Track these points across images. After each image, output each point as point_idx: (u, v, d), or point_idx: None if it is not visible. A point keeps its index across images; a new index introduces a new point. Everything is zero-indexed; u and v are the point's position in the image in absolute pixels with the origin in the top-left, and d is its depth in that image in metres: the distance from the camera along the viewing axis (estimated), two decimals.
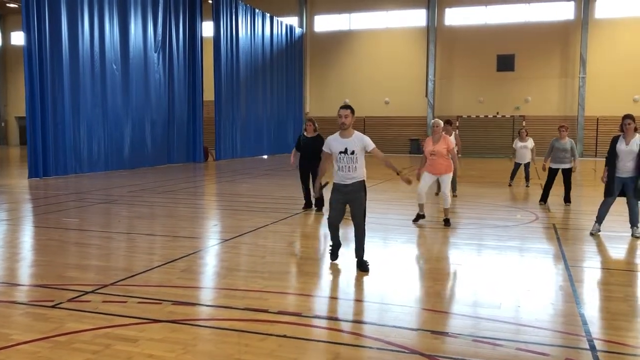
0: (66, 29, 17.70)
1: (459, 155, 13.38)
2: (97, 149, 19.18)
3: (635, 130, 8.21)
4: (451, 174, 9.51)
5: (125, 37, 20.43)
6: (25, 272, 6.44)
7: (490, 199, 12.99)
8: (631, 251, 7.64)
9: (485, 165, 24.85)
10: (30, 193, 13.84)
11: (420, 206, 9.37)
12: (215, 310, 5.02)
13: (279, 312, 4.84)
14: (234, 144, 27.84)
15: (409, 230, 9.01)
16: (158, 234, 8.61)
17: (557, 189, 11.90)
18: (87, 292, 5.36)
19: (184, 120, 24.52)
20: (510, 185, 15.43)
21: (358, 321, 4.77)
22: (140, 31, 21.37)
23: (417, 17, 33.70)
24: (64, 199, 12.53)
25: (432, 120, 9.65)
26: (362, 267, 6.26)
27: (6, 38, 42.88)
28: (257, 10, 29.95)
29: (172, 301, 5.11)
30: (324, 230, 8.94)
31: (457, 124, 30.05)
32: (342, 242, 6.69)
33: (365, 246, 6.39)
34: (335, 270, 6.42)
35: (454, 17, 33.23)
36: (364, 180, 6.34)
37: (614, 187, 8.29)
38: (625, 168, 8.18)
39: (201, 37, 25.54)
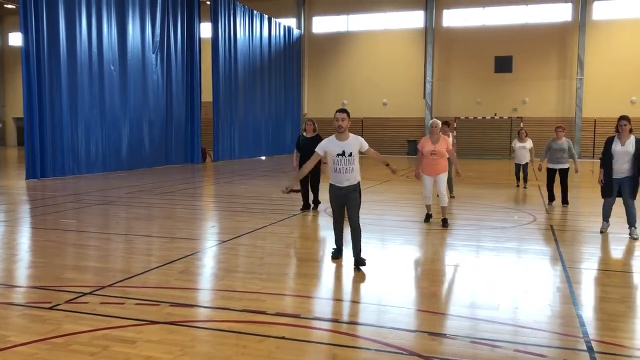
0: (64, 30, 17.68)
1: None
2: (94, 150, 19.15)
3: (631, 131, 8.24)
4: (447, 174, 9.62)
5: (123, 38, 20.41)
6: (22, 273, 6.42)
7: (487, 200, 13.01)
8: (629, 252, 7.65)
9: (483, 166, 24.86)
10: (28, 194, 13.81)
11: (428, 207, 9.65)
12: (213, 311, 5.02)
13: (277, 314, 4.84)
14: (232, 145, 27.83)
15: (406, 231, 9.03)
16: (156, 235, 8.59)
17: (556, 190, 11.92)
18: (84, 294, 5.35)
19: (182, 121, 24.52)
20: (517, 186, 15.49)
21: (356, 323, 4.78)
22: (138, 32, 21.36)
23: (415, 19, 33.72)
24: (62, 200, 12.51)
25: (431, 121, 9.66)
26: (360, 262, 6.36)
27: (4, 39, 42.81)
28: (255, 12, 29.97)
29: (169, 302, 5.11)
30: (322, 232, 8.96)
31: (455, 125, 30.11)
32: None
33: (362, 247, 6.49)
34: (333, 272, 6.44)
35: (452, 18, 33.28)
36: (358, 182, 6.54)
37: (611, 188, 8.32)
38: (621, 169, 8.22)
39: (199, 38, 25.54)
